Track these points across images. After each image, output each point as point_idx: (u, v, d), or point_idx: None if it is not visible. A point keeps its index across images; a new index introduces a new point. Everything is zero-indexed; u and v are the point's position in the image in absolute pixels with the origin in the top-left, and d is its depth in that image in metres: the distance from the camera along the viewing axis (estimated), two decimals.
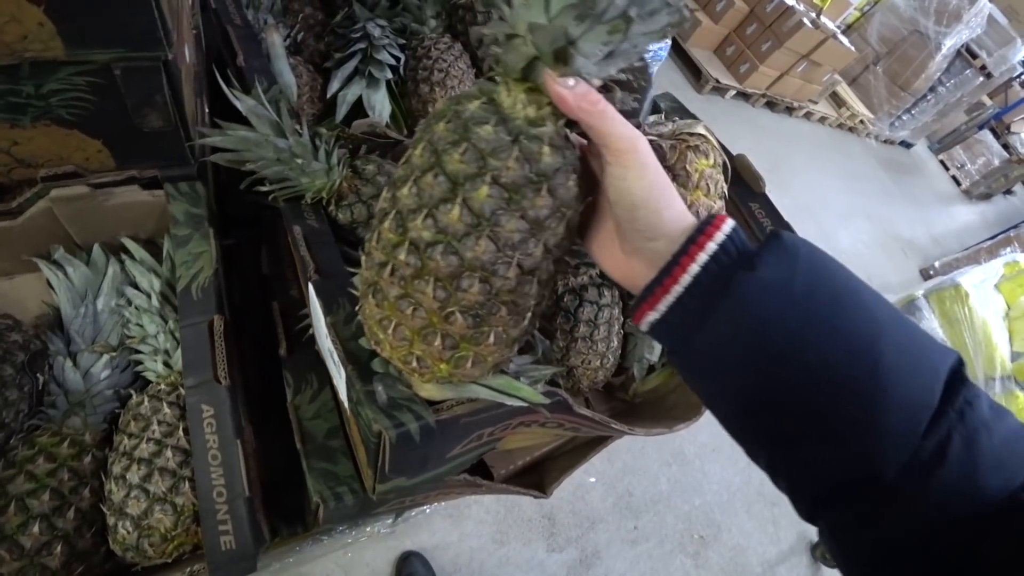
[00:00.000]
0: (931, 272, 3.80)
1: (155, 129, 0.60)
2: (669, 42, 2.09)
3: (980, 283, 2.72)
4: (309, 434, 0.60)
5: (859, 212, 4.08)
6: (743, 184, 0.79)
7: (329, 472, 0.58)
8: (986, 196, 5.63)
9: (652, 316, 0.34)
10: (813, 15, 3.54)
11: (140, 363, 0.65)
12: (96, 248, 0.68)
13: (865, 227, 3.99)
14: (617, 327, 0.66)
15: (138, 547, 0.53)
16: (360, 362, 0.46)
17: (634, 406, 0.79)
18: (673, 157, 0.57)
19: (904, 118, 4.85)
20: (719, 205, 0.62)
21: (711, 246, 0.33)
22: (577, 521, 1.78)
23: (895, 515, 0.30)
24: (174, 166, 0.65)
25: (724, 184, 0.62)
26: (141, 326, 0.65)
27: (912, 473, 0.29)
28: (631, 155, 0.33)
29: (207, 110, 0.80)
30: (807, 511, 0.34)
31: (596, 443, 0.84)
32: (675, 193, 0.35)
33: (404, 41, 0.87)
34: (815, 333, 0.30)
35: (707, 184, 0.59)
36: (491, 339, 0.37)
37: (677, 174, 0.57)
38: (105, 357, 0.64)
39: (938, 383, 0.30)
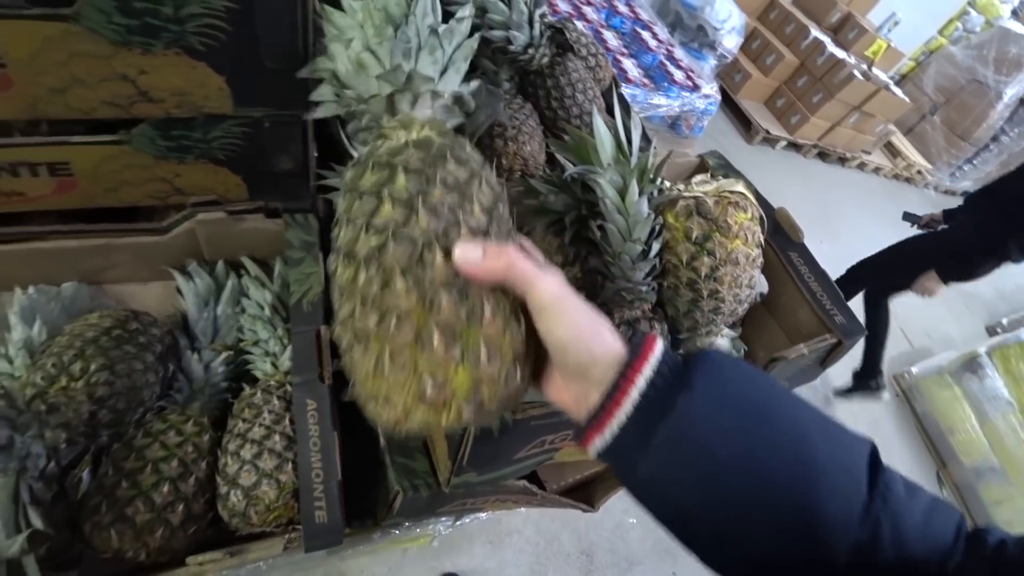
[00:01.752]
0: (998, 329, 3.64)
1: (284, 170, 0.73)
2: (719, 95, 2.18)
3: None
4: (392, 435, 0.69)
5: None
6: (783, 234, 0.86)
7: (408, 467, 0.67)
8: None
9: (600, 443, 0.35)
10: (864, 67, 3.58)
11: (250, 362, 0.76)
12: (220, 264, 0.81)
13: None
14: None
15: (244, 514, 0.62)
16: None
17: None
18: (717, 211, 0.65)
19: (965, 168, 4.73)
20: (756, 252, 0.69)
21: (648, 370, 0.34)
22: (615, 560, 1.79)
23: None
24: (293, 199, 0.78)
25: (760, 235, 0.70)
26: (254, 331, 0.77)
27: (859, 556, 0.31)
28: (551, 308, 0.35)
29: (315, 154, 0.94)
30: None
31: None
32: (603, 324, 0.36)
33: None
34: (751, 444, 0.32)
35: (745, 234, 0.66)
36: (487, 312, 0.35)
37: (720, 225, 0.65)
38: (223, 355, 0.76)
39: (863, 474, 0.32)
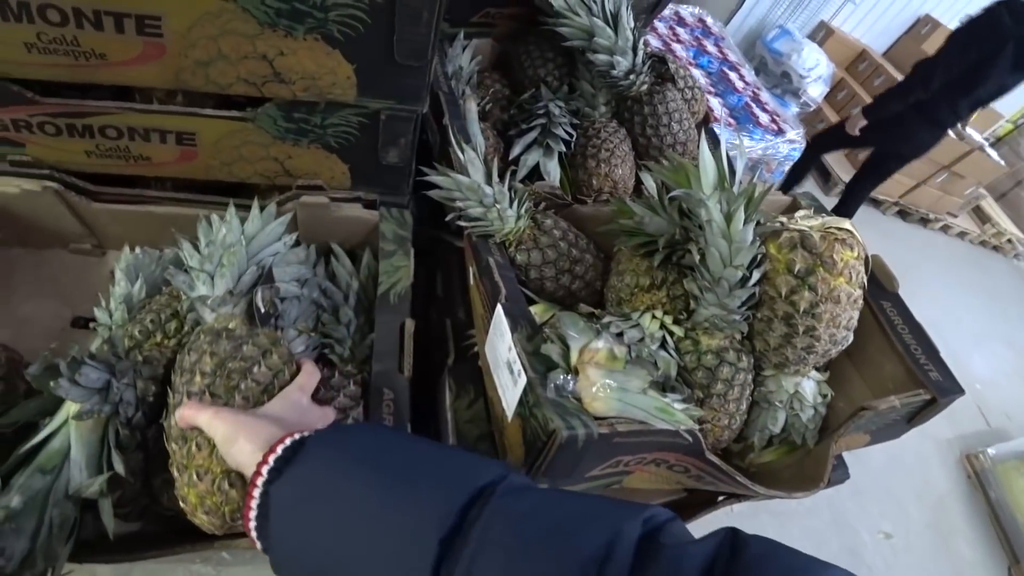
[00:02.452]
0: None
1: (390, 163, 0.75)
2: (803, 142, 2.13)
3: None
4: (462, 435, 0.69)
5: (998, 337, 3.68)
6: (876, 283, 0.81)
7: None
8: None
9: (253, 510, 0.39)
10: (958, 126, 3.41)
11: (329, 346, 0.78)
12: (311, 247, 0.84)
13: (1005, 354, 3.58)
14: (748, 392, 0.70)
15: None
16: (539, 371, 0.54)
17: (748, 475, 0.80)
18: (823, 245, 0.62)
19: None
20: (858, 293, 0.66)
21: (276, 453, 0.40)
22: None
23: None
24: (393, 193, 0.80)
25: (864, 276, 0.66)
26: (336, 318, 0.79)
27: None
28: (203, 428, 0.48)
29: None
30: None
31: (702, 507, 0.86)
32: (241, 440, 0.44)
33: (577, 121, 1.01)
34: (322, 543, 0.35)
35: (850, 273, 0.63)
36: (194, 448, 0.51)
37: (825, 260, 0.62)
38: (304, 336, 0.78)
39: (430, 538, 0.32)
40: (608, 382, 0.52)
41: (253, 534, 0.39)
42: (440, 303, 0.85)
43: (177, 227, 0.82)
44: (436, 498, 0.34)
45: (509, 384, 0.59)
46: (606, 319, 0.67)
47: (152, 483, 0.63)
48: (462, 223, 0.73)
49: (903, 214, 3.83)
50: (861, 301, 0.69)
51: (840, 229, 0.65)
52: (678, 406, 0.52)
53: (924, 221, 3.89)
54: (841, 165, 3.56)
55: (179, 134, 0.72)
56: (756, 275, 0.63)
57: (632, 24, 0.95)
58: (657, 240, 0.73)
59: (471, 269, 0.75)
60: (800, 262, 0.63)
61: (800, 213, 0.70)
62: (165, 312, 0.73)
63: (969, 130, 3.51)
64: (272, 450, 0.40)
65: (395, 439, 0.41)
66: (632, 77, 0.96)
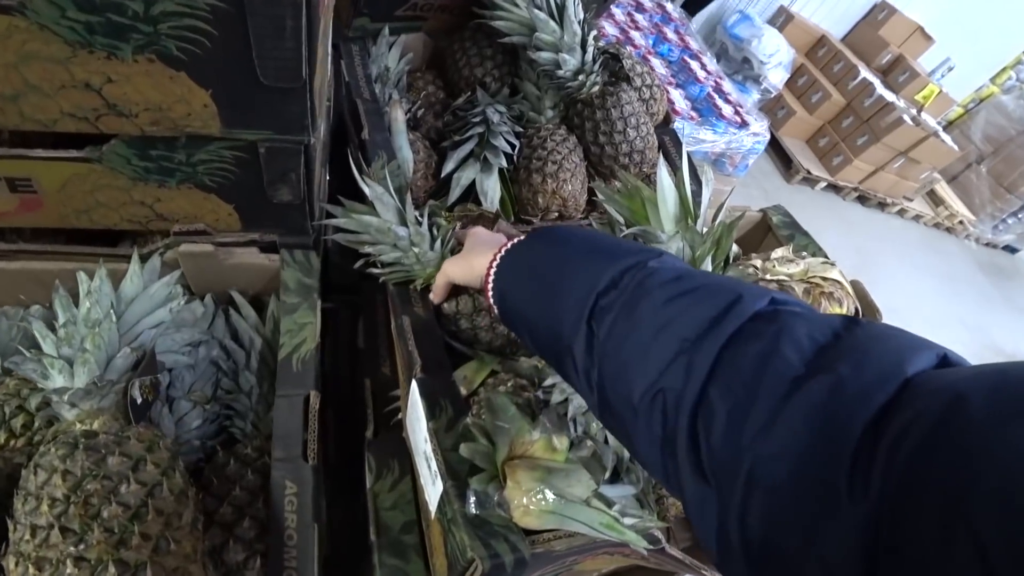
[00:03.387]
0: None
1: (283, 201, 0.62)
2: (767, 135, 2.06)
3: None
4: (384, 526, 0.57)
5: (952, 318, 3.77)
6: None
7: (400, 570, 0.55)
8: None
9: (490, 292, 0.49)
10: (914, 111, 3.43)
11: (230, 419, 0.66)
12: (207, 299, 0.70)
13: (959, 335, 3.67)
14: None
15: None
16: (459, 477, 0.43)
17: None
18: (807, 300, 0.52)
19: (1009, 221, 4.51)
20: None
21: (502, 251, 0.50)
22: None
23: (572, 367, 0.40)
24: (292, 234, 0.67)
25: None
26: (237, 383, 0.66)
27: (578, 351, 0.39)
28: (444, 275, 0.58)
29: (328, 178, 0.84)
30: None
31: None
32: (478, 248, 0.54)
33: (520, 129, 0.89)
34: (537, 282, 0.45)
35: None
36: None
37: None
38: (199, 408, 0.65)
39: (606, 274, 0.39)
40: (543, 491, 0.41)
41: (491, 300, 0.50)
42: (362, 357, 0.73)
43: (40, 284, 0.67)
44: (605, 266, 0.40)
45: (428, 482, 0.48)
46: (549, 381, 0.56)
47: None
48: (374, 271, 0.61)
49: (862, 199, 3.85)
50: None
51: (826, 279, 0.56)
52: (628, 520, 0.42)
53: (882, 205, 3.93)
54: (804, 153, 3.54)
55: (9, 180, 0.57)
56: None
57: (581, 16, 0.83)
58: None
59: (393, 322, 0.63)
60: None
61: (777, 254, 0.60)
62: (10, 403, 0.58)
63: (924, 116, 3.53)
64: (501, 247, 0.50)
65: (589, 233, 0.47)
66: (581, 77, 0.84)
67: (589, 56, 0.83)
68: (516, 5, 0.80)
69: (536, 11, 0.78)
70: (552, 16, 0.79)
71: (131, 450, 0.46)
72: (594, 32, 0.88)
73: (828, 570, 0.24)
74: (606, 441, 0.53)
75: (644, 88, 0.96)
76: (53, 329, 0.52)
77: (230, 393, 0.66)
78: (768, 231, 0.83)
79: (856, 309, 0.58)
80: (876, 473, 0.23)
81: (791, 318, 0.30)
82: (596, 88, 0.87)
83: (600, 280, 0.39)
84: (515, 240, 0.51)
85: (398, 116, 0.88)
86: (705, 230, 0.53)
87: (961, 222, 4.32)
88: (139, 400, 0.52)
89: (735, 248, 0.63)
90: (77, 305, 0.54)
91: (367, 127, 0.82)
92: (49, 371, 0.49)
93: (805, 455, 0.25)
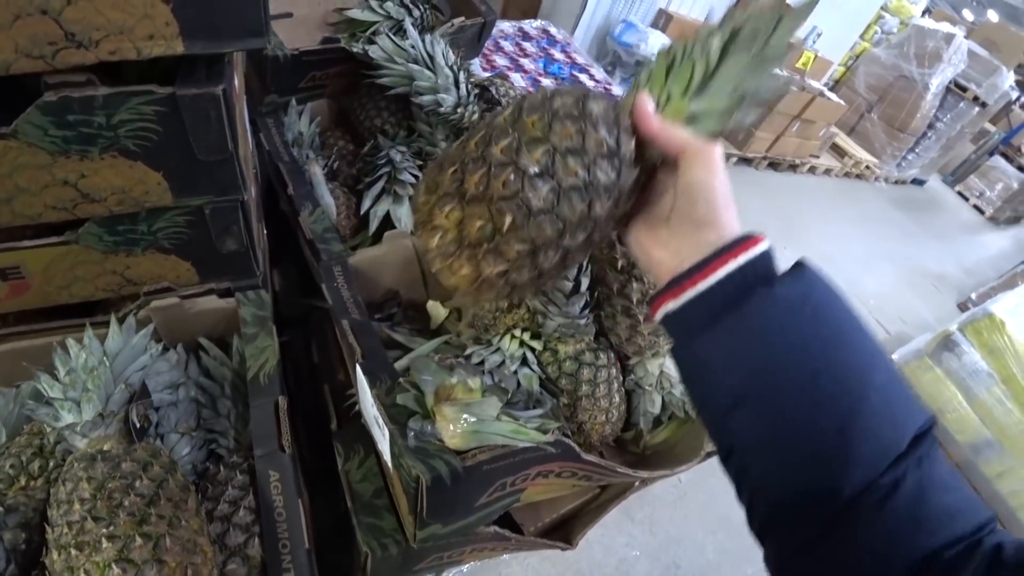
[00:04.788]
0: (969, 305, 3.73)
1: (231, 251, 0.76)
2: None
3: (1014, 308, 2.68)
4: (358, 494, 0.70)
5: (880, 255, 4.09)
6: None
7: (375, 526, 0.68)
8: (1015, 219, 5.56)
9: (671, 306, 0.38)
10: (797, 78, 3.78)
11: (214, 441, 0.77)
12: (179, 347, 0.82)
13: (889, 269, 3.98)
14: (617, 384, 0.76)
15: None
16: (400, 422, 0.57)
17: (645, 458, 0.86)
18: None
19: (910, 157, 4.95)
20: None
21: (744, 257, 0.36)
22: None
23: (837, 540, 0.33)
24: (243, 278, 0.80)
25: None
26: (215, 410, 0.78)
27: (866, 499, 0.32)
28: (706, 155, 0.39)
29: (265, 231, 0.97)
30: (760, 522, 0.38)
31: (616, 496, 0.91)
32: (733, 207, 0.40)
33: (421, 162, 1.05)
34: (813, 352, 0.34)
35: None
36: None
37: None
38: (186, 437, 0.76)
39: (909, 433, 0.33)
40: (464, 416, 0.55)
41: (683, 299, 0.37)
42: (318, 369, 0.86)
43: (30, 360, 0.78)
44: (907, 410, 0.34)
45: (380, 438, 0.61)
46: (468, 350, 0.71)
47: None
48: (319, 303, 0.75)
49: (773, 165, 4.18)
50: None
51: None
52: (531, 424, 0.56)
53: (793, 167, 4.27)
54: None
55: (2, 270, 0.69)
56: (585, 281, 0.68)
57: (451, 60, 1.01)
58: None
59: (337, 330, 0.76)
60: (622, 258, 0.69)
61: None
62: (26, 453, 0.70)
63: (808, 80, 3.90)
64: (755, 240, 0.37)
65: (864, 329, 0.37)
66: (460, 110, 1.01)
67: (464, 91, 1.00)
68: (395, 62, 0.97)
69: (411, 65, 0.95)
70: (426, 66, 0.96)
71: (138, 458, 0.58)
72: (468, 70, 1.05)
73: None
74: (516, 385, 0.67)
75: None
76: (57, 380, 0.64)
77: (210, 420, 0.77)
78: None
79: None
80: None
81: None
82: (475, 115, 1.04)
83: (904, 436, 0.33)
84: (769, 254, 0.37)
85: (316, 171, 1.03)
86: None
87: (868, 167, 4.71)
88: (138, 425, 0.64)
89: None
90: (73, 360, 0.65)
91: (290, 184, 0.96)
92: (60, 412, 0.61)
93: None
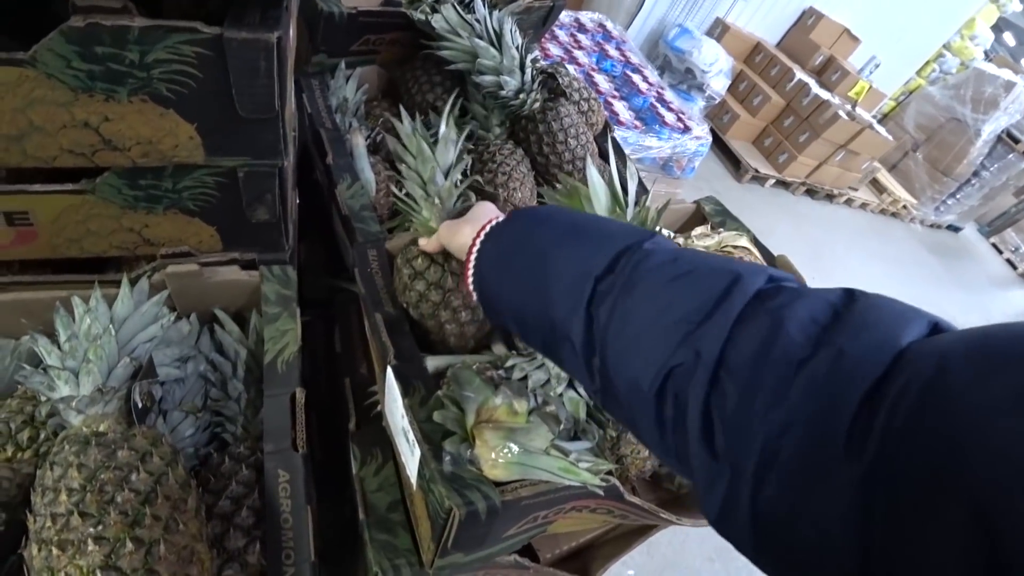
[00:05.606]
0: None
1: (261, 221, 0.69)
2: (709, 137, 2.20)
3: None
4: (372, 506, 0.63)
5: (905, 298, 3.86)
6: None
7: (389, 544, 0.61)
8: None
9: (471, 283, 0.50)
10: (848, 107, 3.66)
11: (220, 425, 0.71)
12: (192, 317, 0.76)
13: None
14: None
15: None
16: (434, 442, 0.50)
17: (679, 496, 0.79)
18: None
19: (949, 202, 4.81)
20: None
21: (482, 234, 0.50)
22: None
23: (571, 354, 0.40)
24: (270, 251, 0.74)
25: None
26: (225, 392, 0.71)
27: (574, 328, 0.39)
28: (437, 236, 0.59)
29: (297, 200, 0.90)
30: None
31: (640, 532, 0.84)
32: (465, 225, 0.54)
33: (472, 146, 0.97)
34: (520, 269, 0.45)
35: None
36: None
37: None
38: (191, 417, 0.70)
39: (602, 261, 0.39)
40: (508, 446, 0.48)
41: (470, 286, 0.50)
42: (339, 360, 0.79)
43: (34, 313, 0.72)
44: (596, 249, 0.40)
45: (408, 453, 0.54)
46: (510, 362, 0.63)
47: None
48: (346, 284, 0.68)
49: (811, 192, 4.07)
50: None
51: (737, 247, 0.65)
52: (583, 464, 0.49)
53: (830, 197, 4.15)
54: (751, 153, 3.73)
55: (8, 214, 0.62)
56: None
57: (518, 41, 0.93)
58: None
59: (367, 321, 0.69)
60: None
61: (697, 231, 0.69)
62: (16, 420, 0.63)
63: (859, 110, 3.77)
64: (483, 227, 0.51)
65: (570, 212, 0.48)
66: (522, 96, 0.94)
67: (528, 76, 0.92)
68: (459, 36, 0.89)
69: (477, 40, 0.87)
70: (492, 43, 0.88)
71: (137, 445, 0.51)
72: (533, 54, 0.97)
73: (824, 532, 0.25)
74: (558, 416, 0.60)
75: (582, 102, 1.06)
76: (57, 345, 0.57)
77: (219, 401, 0.71)
78: (703, 220, 0.93)
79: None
80: (871, 438, 0.24)
81: (791, 297, 0.31)
82: (537, 104, 0.96)
83: (595, 264, 0.38)
84: (497, 219, 0.50)
85: (358, 142, 0.96)
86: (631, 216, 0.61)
87: (905, 207, 4.58)
88: (140, 405, 0.57)
89: (667, 232, 0.71)
90: (76, 324, 0.59)
91: (331, 153, 0.89)
92: (55, 382, 0.55)
93: (809, 428, 0.26)
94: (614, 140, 1.11)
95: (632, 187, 0.65)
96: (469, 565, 0.60)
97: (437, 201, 0.67)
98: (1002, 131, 4.43)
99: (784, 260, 0.84)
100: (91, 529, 0.44)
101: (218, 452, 0.67)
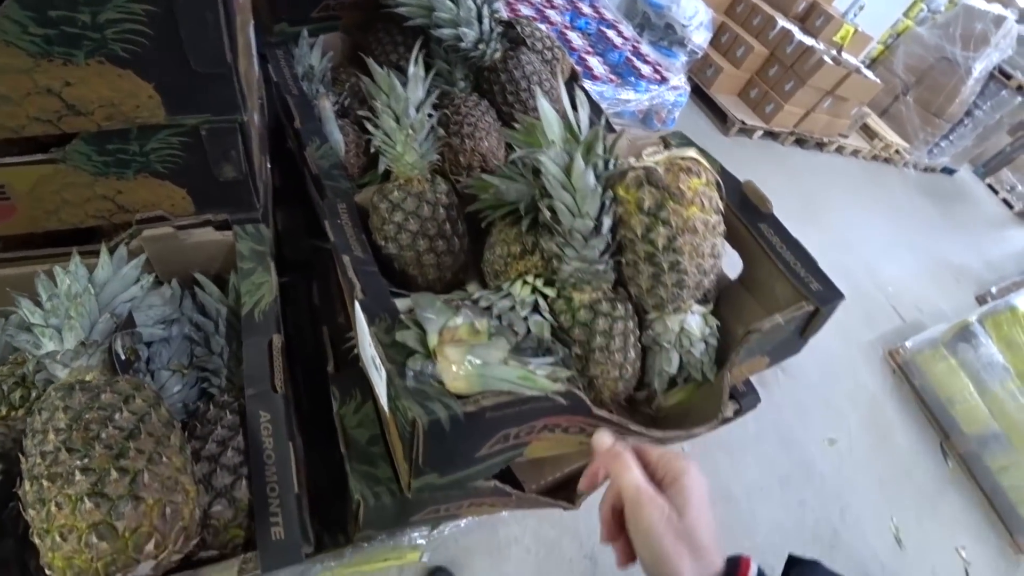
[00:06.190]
0: (988, 298, 3.63)
1: (229, 179, 0.71)
2: (688, 86, 2.19)
3: None
4: (352, 440, 0.67)
5: (902, 243, 3.99)
6: (751, 208, 0.83)
7: (369, 474, 0.64)
8: None
9: None
10: (834, 52, 3.62)
11: (206, 379, 0.74)
12: (174, 282, 0.79)
13: (909, 257, 3.88)
14: (633, 339, 0.71)
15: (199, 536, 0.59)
16: (398, 362, 0.53)
17: (657, 420, 0.82)
18: (668, 178, 0.63)
19: (942, 144, 4.77)
20: (715, 219, 0.67)
21: None
22: None
23: None
24: (242, 211, 0.76)
25: (719, 200, 0.68)
26: (208, 348, 0.74)
27: None
28: (629, 501, 0.40)
29: (269, 166, 0.92)
30: None
31: None
32: (701, 540, 0.39)
33: (437, 102, 0.99)
34: None
35: (701, 200, 0.64)
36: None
37: (672, 193, 0.63)
38: (177, 375, 0.73)
39: None
40: (468, 359, 0.51)
41: None
42: (318, 311, 0.82)
43: (16, 289, 0.75)
44: None
45: (377, 380, 0.57)
46: (476, 295, 0.66)
47: (29, 567, 0.58)
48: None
49: (800, 142, 4.05)
50: (721, 226, 0.70)
51: (685, 159, 0.66)
52: (540, 371, 0.52)
53: (820, 146, 4.12)
54: (737, 106, 3.70)
55: None
56: (607, 221, 0.63)
57: None
58: (520, 206, 0.72)
59: (338, 267, 0.72)
60: (648, 199, 0.63)
61: (648, 150, 0.70)
62: (8, 382, 0.67)
63: (845, 55, 3.73)
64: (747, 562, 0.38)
65: None
66: (482, 47, 0.95)
67: (487, 26, 0.93)
68: None
69: None
70: None
71: (120, 389, 0.55)
72: (493, 5, 0.98)
73: None
74: (527, 330, 0.63)
75: (545, 51, 1.07)
76: (40, 306, 0.60)
77: (203, 358, 0.74)
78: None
79: (718, 182, 0.68)
80: None
81: None
82: (498, 54, 0.97)
83: None
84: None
85: (325, 106, 0.97)
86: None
87: (898, 151, 4.56)
88: (122, 357, 0.60)
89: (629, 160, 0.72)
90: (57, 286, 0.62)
91: (297, 117, 0.91)
92: (41, 339, 0.58)
93: None
94: (580, 87, 1.12)
95: (584, 113, 0.66)
96: (447, 489, 0.63)
97: (410, 131, 0.70)
98: (994, 68, 4.37)
99: (751, 186, 0.84)
100: (78, 462, 0.48)
101: (205, 404, 0.70)
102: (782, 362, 0.90)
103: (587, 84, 1.84)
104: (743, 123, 3.54)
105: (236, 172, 0.71)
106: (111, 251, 0.71)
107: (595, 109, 1.07)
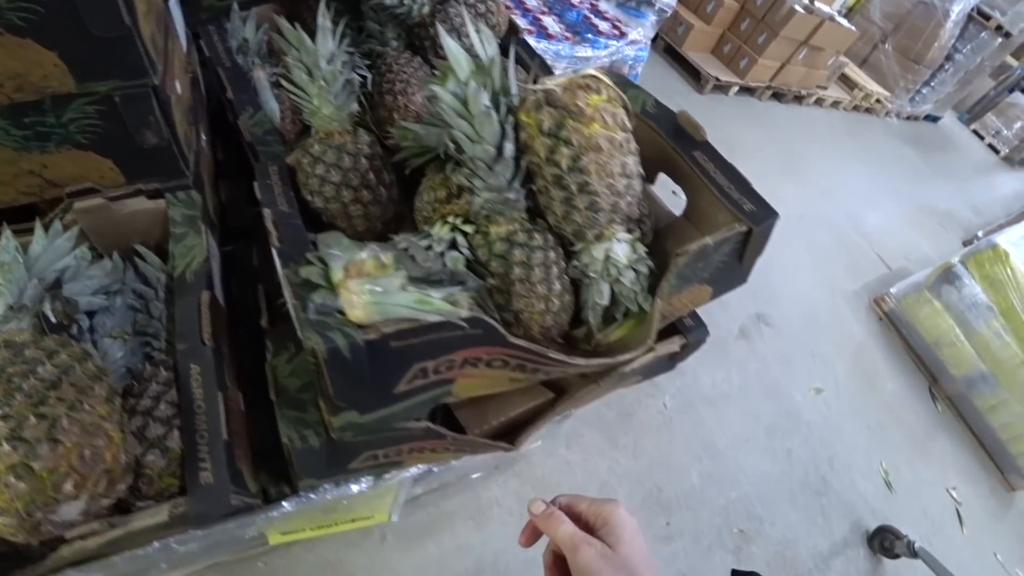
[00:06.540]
0: (975, 241, 3.63)
1: (152, 146, 0.73)
2: (647, 40, 2.16)
3: (1020, 240, 2.60)
4: (283, 388, 0.69)
5: (886, 192, 3.97)
6: (686, 136, 0.81)
7: (298, 419, 0.67)
8: None
9: None
10: (806, 1, 3.57)
11: (148, 344, 0.76)
12: (115, 255, 0.81)
13: (893, 206, 3.87)
14: (556, 271, 0.70)
15: (134, 485, 0.62)
16: (302, 297, 0.55)
17: (595, 352, 0.83)
18: (566, 97, 0.62)
19: (924, 92, 4.73)
20: (622, 136, 0.66)
21: None
22: None
23: None
24: (172, 179, 0.78)
25: (625, 118, 0.67)
26: (149, 313, 0.77)
27: None
28: (573, 552, 0.43)
29: (204, 137, 0.94)
30: None
31: (572, 402, 0.89)
32: (638, 568, 0.42)
33: (370, 62, 0.99)
34: None
35: (603, 116, 0.63)
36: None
37: (571, 110, 0.62)
38: (119, 340, 0.75)
39: None
40: (368, 288, 0.53)
41: None
42: (257, 273, 0.84)
43: None
44: None
45: (294, 320, 0.59)
46: (397, 239, 0.68)
47: None
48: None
49: (778, 96, 4.01)
50: (632, 144, 0.69)
51: (584, 77, 0.66)
52: (436, 294, 0.54)
53: (798, 99, 4.09)
54: (711, 63, 3.67)
55: None
56: (509, 146, 0.63)
57: None
58: (439, 152, 0.73)
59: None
60: (548, 119, 0.63)
61: (550, 77, 0.70)
62: None
63: (818, 4, 3.68)
64: None
65: None
66: (408, 2, 0.95)
67: None
68: None
69: None
70: None
71: (46, 346, 0.57)
72: None
73: None
74: (443, 263, 0.64)
75: (478, 4, 1.07)
76: None
77: (144, 324, 0.76)
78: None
79: (621, 97, 0.66)
80: None
81: None
82: (426, 9, 0.98)
83: None
84: None
85: (260, 76, 0.99)
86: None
87: (879, 101, 4.51)
88: (52, 320, 0.62)
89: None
90: None
91: (229, 88, 0.92)
92: None
93: None
94: (519, 39, 1.12)
95: (490, 48, 0.66)
96: (374, 431, 0.64)
97: (323, 83, 0.72)
98: (972, 9, 4.31)
99: (685, 116, 0.82)
100: None
101: (145, 362, 0.73)
102: (726, 293, 0.88)
103: (542, 44, 1.83)
104: (717, 79, 3.51)
105: (158, 138, 0.72)
106: (46, 227, 0.73)
107: (531, 54, 1.07)
